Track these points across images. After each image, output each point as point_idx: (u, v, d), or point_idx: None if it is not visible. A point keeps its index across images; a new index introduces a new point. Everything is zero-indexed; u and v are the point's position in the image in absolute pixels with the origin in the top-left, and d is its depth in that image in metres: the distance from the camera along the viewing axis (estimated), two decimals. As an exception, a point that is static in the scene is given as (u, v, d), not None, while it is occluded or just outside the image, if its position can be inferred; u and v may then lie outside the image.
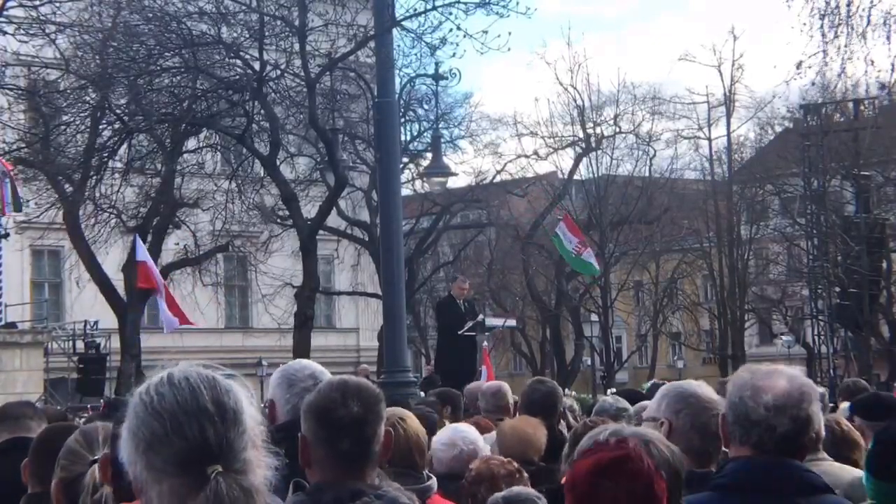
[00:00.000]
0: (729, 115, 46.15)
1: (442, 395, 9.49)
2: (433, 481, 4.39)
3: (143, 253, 17.93)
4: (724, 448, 3.97)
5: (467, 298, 17.31)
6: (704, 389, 4.10)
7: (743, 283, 45.75)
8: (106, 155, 25.33)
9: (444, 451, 5.78)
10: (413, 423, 4.96)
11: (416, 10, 20.97)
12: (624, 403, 7.07)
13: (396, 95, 16.73)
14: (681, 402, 3.99)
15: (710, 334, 51.31)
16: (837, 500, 3.42)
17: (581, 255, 23.70)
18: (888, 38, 22.00)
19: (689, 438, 3.80)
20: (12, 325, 25.08)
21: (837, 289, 34.45)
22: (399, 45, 23.23)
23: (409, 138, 28.49)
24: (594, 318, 44.88)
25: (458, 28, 20.05)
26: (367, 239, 32.60)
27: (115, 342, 28.12)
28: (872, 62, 22.07)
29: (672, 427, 3.88)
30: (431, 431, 6.48)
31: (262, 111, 24.11)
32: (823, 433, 3.74)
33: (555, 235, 24.05)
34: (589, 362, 46.74)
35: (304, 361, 4.47)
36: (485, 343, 16.06)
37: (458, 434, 5.93)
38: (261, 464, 2.06)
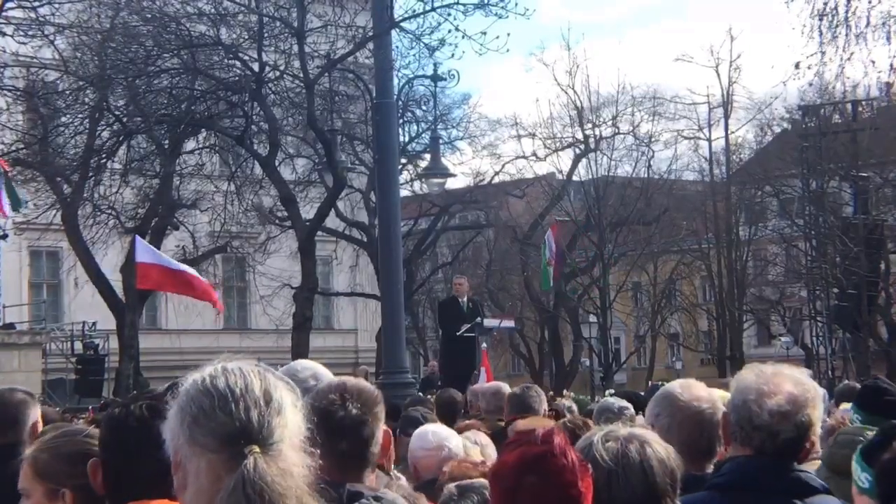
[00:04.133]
0: (727, 116, 46.10)
1: (437, 399, 9.46)
2: None
3: (145, 254, 17.46)
4: (720, 447, 3.95)
5: (471, 298, 17.31)
6: (686, 389, 3.99)
7: (741, 284, 45.70)
8: (104, 156, 25.34)
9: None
10: None
11: (414, 11, 21.00)
12: (625, 404, 7.12)
13: (395, 96, 16.73)
14: (657, 406, 3.96)
15: (709, 335, 51.25)
16: (834, 500, 3.40)
17: (549, 266, 24.33)
18: (888, 38, 22.04)
19: (668, 440, 3.71)
20: (10, 325, 25.09)
21: (836, 290, 34.40)
22: (398, 47, 23.28)
23: (407, 139, 28.48)
24: (592, 319, 44.85)
25: (457, 29, 20.05)
26: (365, 240, 32.59)
27: (114, 343, 28.08)
28: (873, 63, 22.11)
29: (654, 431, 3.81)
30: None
31: (261, 112, 24.12)
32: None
33: (543, 242, 24.67)
34: (587, 363, 46.67)
35: (307, 362, 4.48)
36: (483, 345, 16.02)
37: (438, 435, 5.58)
38: (297, 461, 2.13)
